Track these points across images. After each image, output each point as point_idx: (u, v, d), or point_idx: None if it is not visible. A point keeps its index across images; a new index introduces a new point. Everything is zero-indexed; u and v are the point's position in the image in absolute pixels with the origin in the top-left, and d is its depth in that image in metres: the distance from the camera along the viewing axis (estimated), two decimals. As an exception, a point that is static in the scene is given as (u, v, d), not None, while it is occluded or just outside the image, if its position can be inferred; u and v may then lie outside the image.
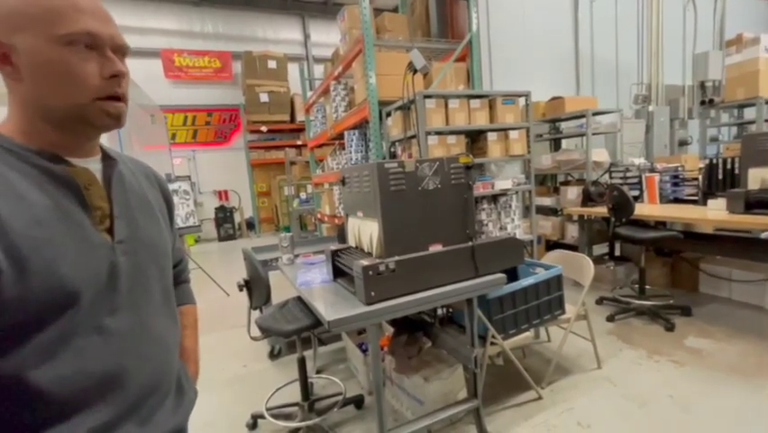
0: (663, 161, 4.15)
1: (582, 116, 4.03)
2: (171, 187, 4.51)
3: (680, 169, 3.71)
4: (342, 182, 1.86)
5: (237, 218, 9.06)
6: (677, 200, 3.53)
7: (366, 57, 2.81)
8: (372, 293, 1.46)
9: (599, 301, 3.33)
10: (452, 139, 2.56)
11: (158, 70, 8.27)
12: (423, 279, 1.57)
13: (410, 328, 2.20)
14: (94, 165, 0.66)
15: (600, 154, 4.12)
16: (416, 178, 1.59)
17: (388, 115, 2.94)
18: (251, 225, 9.32)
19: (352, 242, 1.89)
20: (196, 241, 8.44)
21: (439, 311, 2.18)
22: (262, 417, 2.02)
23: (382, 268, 1.47)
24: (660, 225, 3.35)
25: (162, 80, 8.34)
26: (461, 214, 1.68)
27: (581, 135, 4.22)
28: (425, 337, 2.17)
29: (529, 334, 2.22)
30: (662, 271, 3.67)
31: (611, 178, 4.03)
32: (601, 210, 3.41)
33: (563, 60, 5.27)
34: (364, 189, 1.64)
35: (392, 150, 2.95)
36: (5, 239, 0.52)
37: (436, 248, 1.62)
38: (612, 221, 3.14)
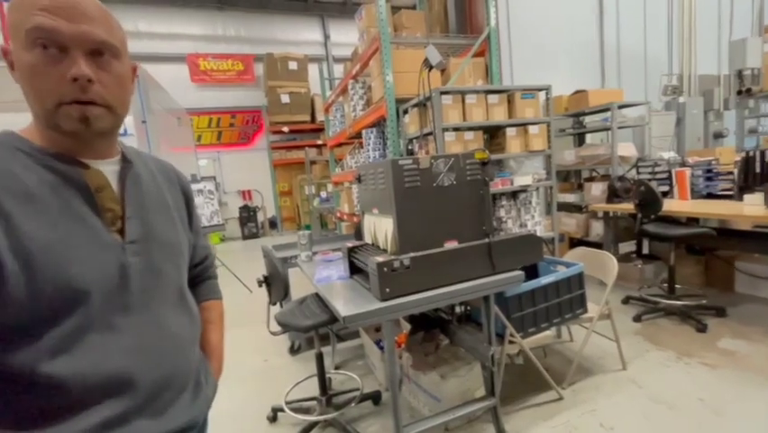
0: (696, 154, 3.95)
1: (607, 110, 3.89)
2: (197, 187, 4.68)
3: (713, 162, 3.53)
4: (358, 180, 1.88)
5: (260, 217, 9.27)
6: (710, 196, 3.36)
7: (383, 55, 2.81)
8: (387, 289, 1.47)
9: (626, 301, 3.22)
10: (469, 135, 2.53)
11: (184, 75, 8.57)
12: (438, 275, 1.56)
13: (427, 326, 2.20)
14: (110, 167, 0.68)
15: (627, 149, 3.97)
16: (431, 174, 1.58)
17: (405, 112, 2.93)
18: (273, 223, 9.52)
19: (368, 239, 1.91)
20: (222, 240, 8.69)
21: (457, 309, 2.17)
22: (282, 410, 2.07)
23: (397, 264, 1.48)
24: (692, 221, 3.20)
25: (188, 84, 8.63)
26: (477, 210, 1.66)
27: (606, 129, 4.08)
28: (442, 335, 2.16)
29: (550, 333, 2.18)
30: (695, 270, 3.50)
31: (639, 173, 3.87)
32: (627, 207, 3.29)
33: (588, 52, 5.11)
34: (379, 187, 1.65)
35: (409, 147, 2.94)
36: (16, 241, 0.54)
37: (452, 245, 1.61)
38: (639, 218, 3.03)
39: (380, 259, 1.47)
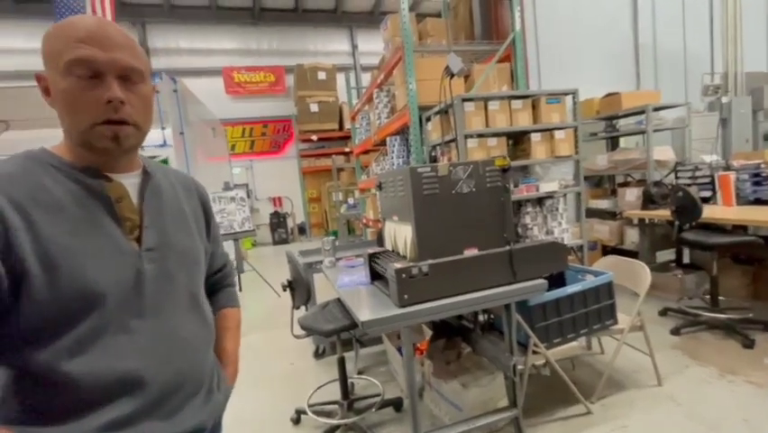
0: (742, 157, 3.71)
1: (642, 112, 3.73)
2: (230, 194, 4.89)
3: (762, 166, 3.29)
4: (379, 187, 1.91)
5: (290, 223, 9.51)
6: (758, 201, 3.14)
7: (406, 63, 2.85)
8: (405, 296, 1.48)
9: (663, 312, 3.05)
10: (492, 141, 2.51)
11: (219, 87, 8.99)
12: (457, 283, 1.55)
13: (449, 333, 2.19)
14: (132, 180, 0.73)
15: (664, 153, 3.79)
16: (450, 181, 1.59)
17: (428, 119, 2.95)
18: (302, 229, 9.73)
19: (388, 245, 1.93)
20: (253, 245, 8.98)
21: (480, 317, 2.14)
22: (305, 412, 2.11)
23: (415, 271, 1.49)
24: (739, 229, 3.00)
25: (223, 96, 9.04)
26: (498, 217, 1.65)
27: (641, 133, 3.90)
28: (464, 343, 2.14)
29: (576, 344, 2.10)
30: (741, 281, 3.27)
31: (677, 178, 3.68)
32: (664, 213, 3.13)
33: (622, 53, 4.91)
34: (399, 194, 1.67)
35: (433, 154, 2.95)
36: (40, 247, 0.60)
37: (472, 252, 1.60)
38: (677, 225, 2.87)
39: (399, 265, 1.49)
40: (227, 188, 5.04)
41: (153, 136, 4.48)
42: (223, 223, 4.82)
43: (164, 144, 4.43)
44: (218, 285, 0.97)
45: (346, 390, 2.10)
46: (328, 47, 9.78)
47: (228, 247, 5.07)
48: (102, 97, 0.64)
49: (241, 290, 5.06)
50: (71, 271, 0.61)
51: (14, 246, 0.58)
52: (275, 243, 9.20)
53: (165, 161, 4.39)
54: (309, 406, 2.13)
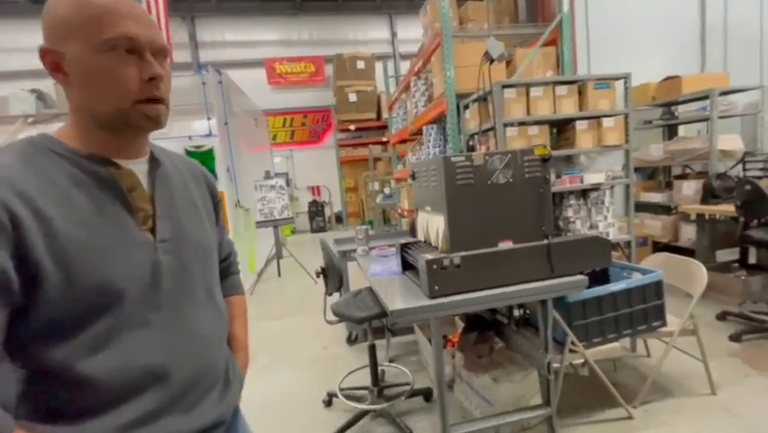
0: (826, 147, 3.29)
1: (706, 97, 3.39)
2: (270, 183, 5.05)
3: None
4: (413, 177, 1.89)
5: (327, 212, 9.71)
6: None
7: (444, 49, 2.77)
8: (436, 287, 1.46)
9: (722, 317, 2.80)
10: (534, 130, 2.39)
11: (262, 78, 9.25)
12: (490, 276, 1.51)
13: (482, 327, 2.15)
14: (140, 166, 0.69)
15: (731, 141, 3.43)
16: (486, 172, 1.54)
17: (466, 107, 2.86)
18: (339, 218, 9.91)
19: (421, 236, 1.91)
20: (292, 232, 9.28)
21: (515, 312, 2.08)
22: (336, 396, 2.17)
23: (446, 263, 1.47)
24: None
25: (265, 87, 9.30)
26: (535, 209, 1.58)
27: (704, 120, 3.56)
28: (497, 337, 2.10)
29: (618, 345, 1.99)
30: (818, 286, 2.93)
31: (745, 169, 3.33)
32: (727, 208, 2.86)
33: (685, 32, 4.47)
34: (432, 184, 1.65)
35: (470, 143, 2.87)
36: (54, 244, 0.56)
37: (506, 245, 1.55)
38: (742, 221, 2.61)
39: (430, 256, 1.47)
40: (268, 176, 5.22)
41: (199, 126, 4.70)
42: (263, 210, 5.01)
43: (209, 134, 4.64)
44: (224, 273, 0.95)
45: (377, 376, 2.13)
46: (367, 35, 9.74)
47: (268, 234, 5.27)
48: (141, 75, 0.62)
49: (279, 275, 5.26)
50: (88, 268, 0.57)
51: (27, 245, 0.54)
52: (313, 231, 9.44)
53: (210, 151, 4.60)
54: (340, 390, 2.19)
